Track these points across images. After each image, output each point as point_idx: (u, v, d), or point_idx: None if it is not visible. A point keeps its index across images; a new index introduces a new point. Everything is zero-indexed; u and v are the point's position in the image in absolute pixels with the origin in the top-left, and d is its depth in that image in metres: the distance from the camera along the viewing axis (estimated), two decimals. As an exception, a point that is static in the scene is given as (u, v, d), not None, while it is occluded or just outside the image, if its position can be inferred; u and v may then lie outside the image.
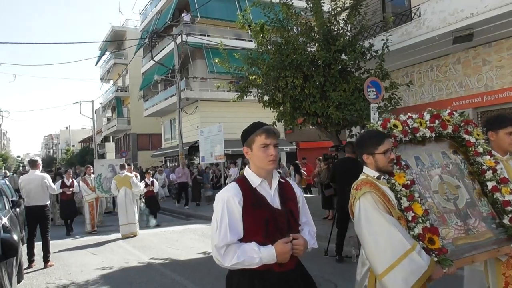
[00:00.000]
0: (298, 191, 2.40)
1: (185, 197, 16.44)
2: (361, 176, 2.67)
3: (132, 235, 10.08)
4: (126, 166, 11.11)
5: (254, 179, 2.22)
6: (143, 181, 12.05)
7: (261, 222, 2.13)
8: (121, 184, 10.26)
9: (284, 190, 2.31)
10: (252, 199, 2.15)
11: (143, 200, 12.24)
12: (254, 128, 2.25)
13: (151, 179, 12.81)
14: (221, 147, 15.75)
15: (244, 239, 2.12)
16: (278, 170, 14.50)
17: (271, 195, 2.22)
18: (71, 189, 11.30)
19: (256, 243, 2.09)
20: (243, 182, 2.23)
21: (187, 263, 7.26)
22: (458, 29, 8.65)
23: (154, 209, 12.49)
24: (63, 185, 11.21)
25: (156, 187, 12.74)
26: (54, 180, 11.89)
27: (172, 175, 18.16)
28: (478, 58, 9.49)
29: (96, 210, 11.91)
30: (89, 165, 13.03)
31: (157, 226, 11.90)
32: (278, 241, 2.10)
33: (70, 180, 11.57)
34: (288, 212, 2.24)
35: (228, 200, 2.13)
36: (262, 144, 2.18)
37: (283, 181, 2.35)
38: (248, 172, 2.27)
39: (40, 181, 7.40)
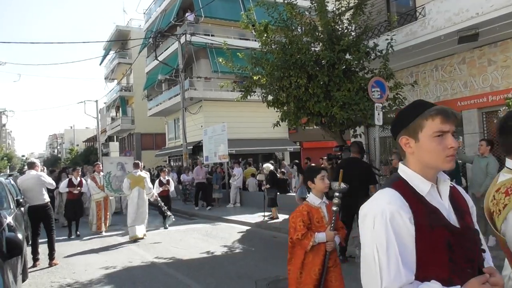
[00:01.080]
0: (468, 199, 1.67)
1: (204, 198, 15.26)
2: (507, 175, 1.84)
3: (141, 238, 9.56)
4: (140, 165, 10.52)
5: (420, 184, 1.51)
6: (157, 180, 11.55)
7: (442, 249, 1.43)
8: (135, 184, 9.78)
9: (455, 199, 1.59)
10: (426, 215, 1.45)
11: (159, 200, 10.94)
12: (422, 108, 1.54)
13: (167, 177, 11.97)
14: (225, 147, 15.77)
15: (419, 276, 1.41)
16: (282, 170, 14.49)
17: (445, 207, 1.52)
18: (78, 188, 10.67)
19: (439, 283, 1.39)
20: (405, 188, 1.50)
21: (190, 262, 7.27)
22: (463, 29, 8.60)
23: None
24: (70, 184, 10.65)
25: (172, 186, 11.95)
26: (59, 180, 11.79)
27: (184, 176, 17.42)
28: (483, 58, 9.43)
29: (104, 210, 11.09)
30: (98, 163, 12.25)
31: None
32: (472, 280, 1.40)
33: (78, 179, 10.91)
34: (472, 232, 1.54)
35: (392, 217, 1.41)
36: (437, 131, 1.49)
37: (451, 185, 1.61)
38: (408, 173, 1.55)
39: (36, 179, 7.40)
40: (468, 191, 8.09)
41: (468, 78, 9.74)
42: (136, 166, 10.21)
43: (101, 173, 11.50)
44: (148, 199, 10.18)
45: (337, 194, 3.39)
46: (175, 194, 18.33)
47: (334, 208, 3.39)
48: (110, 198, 11.84)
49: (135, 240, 9.38)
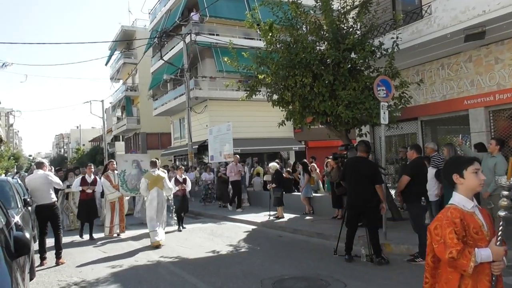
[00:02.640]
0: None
1: (237, 198, 14.00)
2: None
3: (161, 244, 8.71)
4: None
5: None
6: (172, 178, 10.79)
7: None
8: (153, 184, 9.04)
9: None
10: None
11: (171, 200, 10.79)
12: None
13: (183, 176, 11.22)
14: (230, 146, 15.78)
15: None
16: (288, 169, 14.48)
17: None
18: (92, 187, 10.05)
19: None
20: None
21: (196, 261, 7.29)
22: (470, 27, 8.54)
23: (182, 211, 10.99)
24: (83, 183, 10.00)
25: (189, 185, 11.13)
26: (65, 179, 11.58)
27: (205, 174, 16.52)
28: (490, 56, 9.36)
29: (119, 212, 10.33)
30: (112, 160, 11.36)
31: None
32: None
33: (92, 177, 10.23)
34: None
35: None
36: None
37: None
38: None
39: (44, 179, 7.45)
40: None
41: (475, 76, 9.67)
42: (153, 164, 9.42)
43: (116, 171, 10.69)
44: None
45: (506, 192, 2.45)
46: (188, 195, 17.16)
47: (502, 214, 2.45)
48: (126, 198, 11.09)
49: (156, 246, 8.58)
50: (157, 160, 9.68)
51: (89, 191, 10.00)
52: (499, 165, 6.63)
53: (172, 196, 10.40)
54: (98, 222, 11.00)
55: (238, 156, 14.76)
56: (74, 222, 11.54)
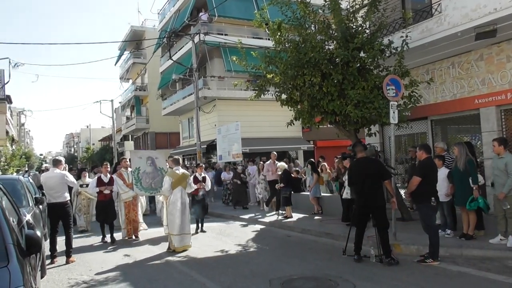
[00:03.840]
0: None
1: (276, 200, 12.32)
2: None
3: (186, 249, 8.09)
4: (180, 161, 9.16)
5: None
6: (191, 177, 9.44)
7: None
8: (177, 184, 8.21)
9: None
10: None
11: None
12: None
13: (203, 174, 10.54)
14: (239, 146, 15.81)
15: None
16: (297, 169, 14.44)
17: None
18: (109, 187, 9.43)
19: None
20: None
21: (205, 261, 7.31)
22: (481, 25, 8.44)
23: (201, 213, 10.26)
24: (100, 183, 9.38)
25: (208, 185, 10.49)
26: (78, 178, 11.22)
27: (225, 174, 15.73)
28: (502, 55, 9.25)
29: (134, 212, 9.79)
30: (125, 157, 10.52)
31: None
32: None
33: (109, 176, 9.59)
34: None
35: None
36: None
37: None
38: None
39: (60, 178, 7.54)
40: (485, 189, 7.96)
41: (486, 75, 9.57)
42: (177, 162, 8.65)
43: (129, 169, 9.90)
44: None
45: None
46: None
47: None
48: (141, 197, 10.54)
49: (183, 251, 8.00)
50: (179, 158, 9.14)
51: (107, 191, 9.43)
52: (510, 164, 6.53)
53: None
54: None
55: (275, 153, 13.54)
56: (87, 224, 11.16)
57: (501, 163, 6.67)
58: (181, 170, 8.45)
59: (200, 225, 10.31)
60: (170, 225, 8.23)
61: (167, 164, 10.13)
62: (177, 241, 8.04)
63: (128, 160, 10.25)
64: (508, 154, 6.69)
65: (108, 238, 9.32)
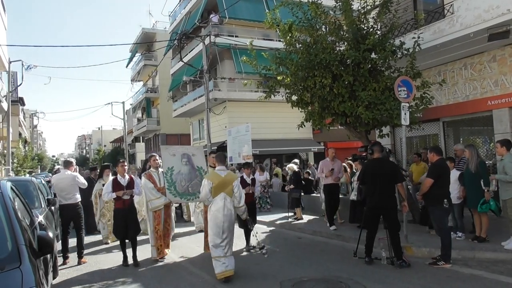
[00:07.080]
0: None
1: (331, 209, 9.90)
2: None
3: (228, 276, 5.91)
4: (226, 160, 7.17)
5: None
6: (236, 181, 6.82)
7: None
8: (220, 189, 6.06)
9: None
10: None
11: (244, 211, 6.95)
12: None
13: (251, 176, 8.61)
14: (249, 147, 15.77)
15: None
16: (307, 170, 14.41)
17: None
18: (129, 191, 7.12)
19: None
20: None
21: (215, 262, 7.28)
22: (494, 26, 8.36)
23: (251, 222, 7.42)
24: (117, 187, 7.09)
25: (258, 189, 8.80)
26: (100, 177, 10.05)
27: (257, 175, 12.90)
28: (515, 56, 9.15)
29: (166, 223, 7.81)
30: (154, 154, 8.11)
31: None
32: None
33: (127, 177, 7.30)
34: None
35: None
36: None
37: None
38: None
39: (71, 180, 7.62)
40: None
41: (499, 76, 9.46)
42: (222, 160, 6.48)
43: (160, 169, 7.85)
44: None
45: None
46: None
47: None
48: (173, 206, 8.51)
49: (226, 278, 5.89)
50: (225, 154, 7.23)
51: (126, 197, 7.12)
52: (507, 166, 6.44)
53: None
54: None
55: (333, 149, 10.30)
56: (109, 233, 9.20)
57: (500, 165, 6.62)
58: (226, 171, 6.33)
59: (249, 237, 8.09)
60: (210, 244, 6.25)
61: (207, 162, 8.29)
62: (220, 265, 5.94)
63: (157, 157, 7.99)
64: (508, 155, 6.59)
65: (130, 259, 7.19)
